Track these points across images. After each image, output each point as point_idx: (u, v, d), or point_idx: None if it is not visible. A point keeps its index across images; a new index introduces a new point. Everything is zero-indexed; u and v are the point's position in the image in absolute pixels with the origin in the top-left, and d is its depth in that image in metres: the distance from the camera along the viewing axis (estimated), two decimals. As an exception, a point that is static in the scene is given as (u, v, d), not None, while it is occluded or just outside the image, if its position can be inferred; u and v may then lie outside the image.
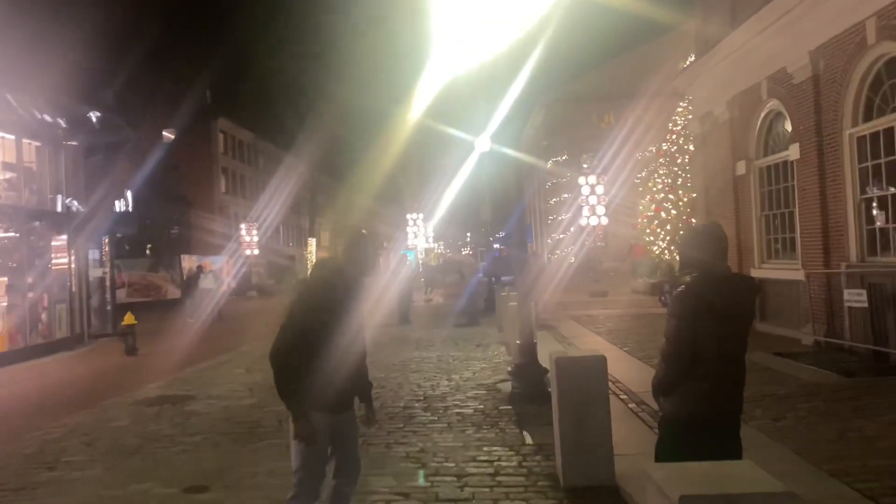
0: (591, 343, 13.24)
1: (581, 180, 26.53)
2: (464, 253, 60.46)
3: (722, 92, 14.19)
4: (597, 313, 19.46)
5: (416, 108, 29.16)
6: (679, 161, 27.57)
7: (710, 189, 15.50)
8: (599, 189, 25.99)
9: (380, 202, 47.75)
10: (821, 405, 7.35)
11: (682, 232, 15.73)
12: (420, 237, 42.29)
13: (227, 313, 25.64)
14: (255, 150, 58.33)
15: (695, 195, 25.91)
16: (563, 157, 39.67)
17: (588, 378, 5.27)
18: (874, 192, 9.81)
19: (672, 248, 27.35)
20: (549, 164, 39.36)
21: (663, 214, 28.08)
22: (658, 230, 28.21)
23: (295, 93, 42.41)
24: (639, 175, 33.41)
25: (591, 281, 31.17)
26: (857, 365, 9.08)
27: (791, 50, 11.16)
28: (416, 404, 8.54)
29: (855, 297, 9.40)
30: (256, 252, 40.88)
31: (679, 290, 3.39)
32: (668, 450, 3.38)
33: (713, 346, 3.24)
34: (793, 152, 11.57)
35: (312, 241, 53.52)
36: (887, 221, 9.62)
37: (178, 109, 43.07)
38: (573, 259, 33.62)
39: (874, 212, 9.83)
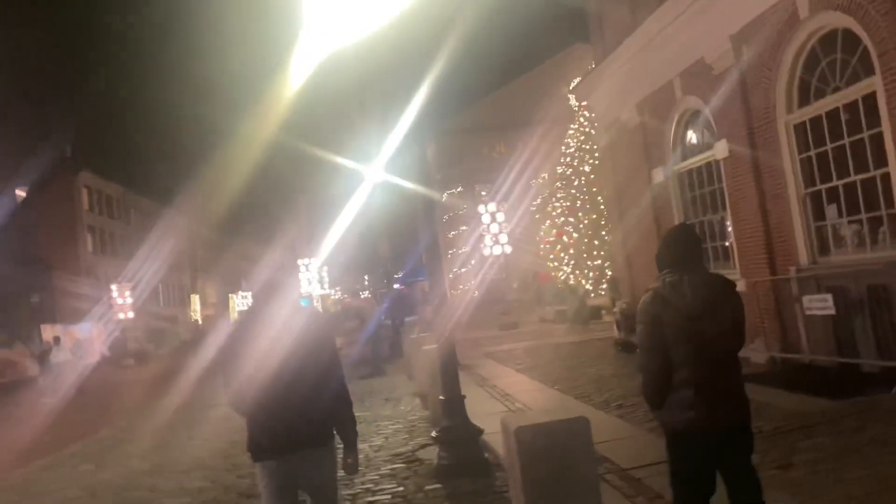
0: (517, 384, 11.52)
1: (481, 208, 25.19)
2: (363, 296, 58.06)
3: (629, 95, 13.11)
4: (511, 347, 17.88)
5: (301, 136, 27.12)
6: (576, 183, 26.91)
7: (624, 201, 14.34)
8: (500, 217, 24.73)
9: (266, 247, 44.79)
10: (826, 441, 5.86)
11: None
12: (314, 283, 39.81)
13: (94, 387, 22.29)
14: (126, 204, 53.93)
15: (599, 213, 25.31)
16: (458, 189, 38.58)
17: (567, 453, 3.45)
18: (820, 184, 8.71)
19: (577, 271, 26.56)
20: (444, 197, 38.10)
21: (565, 238, 27.23)
22: (562, 254, 27.32)
23: (165, 141, 39.28)
24: (534, 202, 32.75)
25: (499, 313, 29.77)
26: (834, 383, 7.77)
27: (708, 38, 10.10)
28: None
29: (817, 305, 8.16)
30: (131, 315, 36.97)
31: (644, 296, 3.35)
32: (674, 462, 3.33)
33: (686, 351, 3.17)
34: (719, 151, 10.46)
35: (196, 298, 49.69)
36: (840, 215, 8.52)
37: (32, 165, 38.90)
38: (476, 292, 32.24)
39: (825, 206, 8.71)
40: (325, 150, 26.18)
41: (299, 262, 36.50)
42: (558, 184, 28.27)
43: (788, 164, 9.02)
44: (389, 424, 9.71)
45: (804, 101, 8.81)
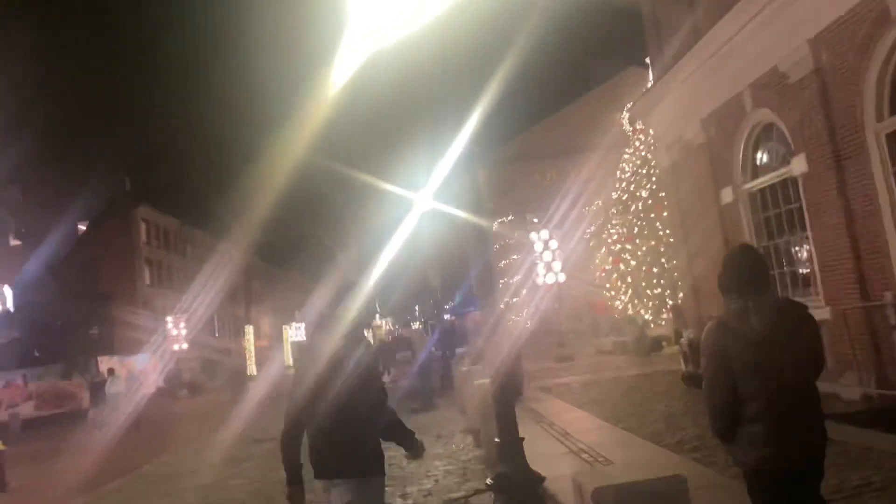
0: (577, 421, 10.69)
1: (533, 236, 24.62)
2: (413, 327, 57.58)
3: (693, 112, 12.33)
4: (568, 381, 16.98)
5: (350, 163, 26.96)
6: (633, 209, 25.95)
7: (688, 225, 13.46)
8: (553, 244, 24.07)
9: (318, 281, 44.78)
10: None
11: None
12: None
13: (147, 419, 22.20)
14: (182, 237, 54.94)
15: (658, 239, 24.26)
16: (509, 218, 37.92)
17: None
18: (919, 198, 7.79)
19: (636, 300, 25.46)
20: (495, 226, 37.49)
21: (622, 266, 26.22)
22: (619, 283, 26.28)
23: (219, 173, 39.83)
24: (588, 230, 31.85)
25: (553, 345, 28.83)
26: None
27: (783, 43, 9.31)
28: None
29: (924, 334, 7.19)
30: (185, 346, 37.40)
31: (707, 325, 3.21)
32: (752, 498, 3.10)
33: (755, 383, 2.96)
34: (796, 166, 9.59)
35: (250, 329, 49.93)
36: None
37: (93, 199, 39.90)
38: (529, 322, 31.32)
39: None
40: (374, 177, 25.88)
41: (350, 292, 36.34)
42: (614, 210, 27.36)
43: (881, 177, 8.11)
44: (440, 465, 9.02)
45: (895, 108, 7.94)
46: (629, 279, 25.50)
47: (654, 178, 25.21)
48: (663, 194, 24.42)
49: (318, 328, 3.74)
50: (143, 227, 48.23)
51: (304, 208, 34.81)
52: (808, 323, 3.16)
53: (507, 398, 6.07)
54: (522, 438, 5.94)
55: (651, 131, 20.11)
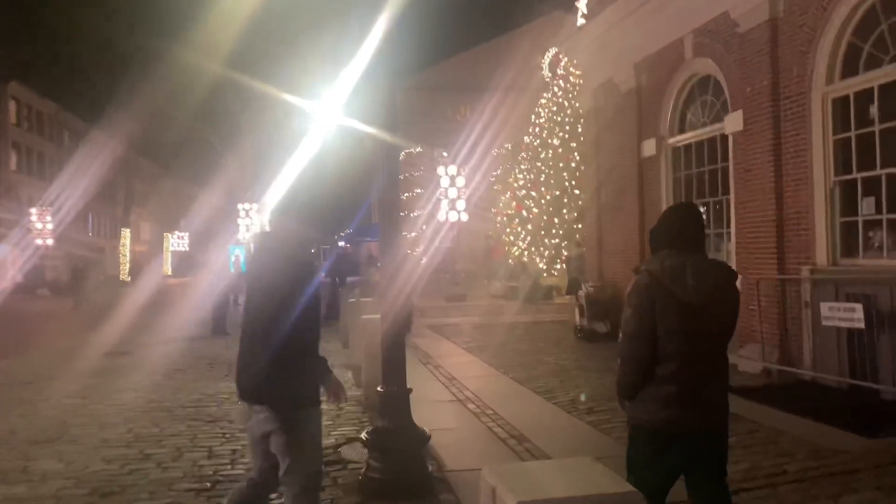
0: (465, 366, 9.99)
1: (440, 170, 23.50)
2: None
3: (627, 54, 11.53)
4: (458, 321, 16.40)
5: (249, 70, 24.69)
6: (542, 156, 25.43)
7: (603, 175, 12.85)
8: (460, 181, 23.12)
9: (206, 189, 41.90)
10: (879, 498, 4.47)
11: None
12: (254, 231, 37.46)
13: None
14: (59, 123, 50.08)
15: (563, 190, 23.88)
16: (417, 150, 36.64)
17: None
18: (857, 172, 7.31)
19: (533, 248, 25.19)
20: (402, 155, 36.17)
21: (525, 213, 25.81)
22: (519, 229, 25.92)
23: (109, 62, 35.84)
24: (495, 172, 31.23)
25: (446, 283, 28.31)
26: (851, 411, 6.45)
27: (738, -13, 8.56)
28: (197, 500, 4.75)
29: (841, 315, 6.80)
30: (50, 242, 34.19)
31: (637, 276, 2.99)
32: (639, 461, 2.98)
33: (677, 343, 2.83)
34: (731, 124, 9.00)
35: (126, 233, 46.69)
36: (879, 211, 7.15)
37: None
38: (425, 259, 30.62)
39: (859, 199, 7.32)
40: (275, 88, 23.82)
41: (239, 206, 34.27)
42: (524, 154, 26.74)
43: (819, 144, 7.60)
44: (311, 404, 8.06)
45: (851, 70, 7.38)
46: (529, 226, 25.16)
47: (567, 128, 24.74)
48: (574, 145, 24.07)
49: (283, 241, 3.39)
50: (12, 105, 43.38)
51: (198, 110, 32.05)
52: (735, 288, 3.06)
53: (398, 344, 5.15)
54: (410, 390, 5.07)
55: (577, 72, 19.38)
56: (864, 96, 7.19)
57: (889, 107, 6.89)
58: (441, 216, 23.56)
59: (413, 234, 33.43)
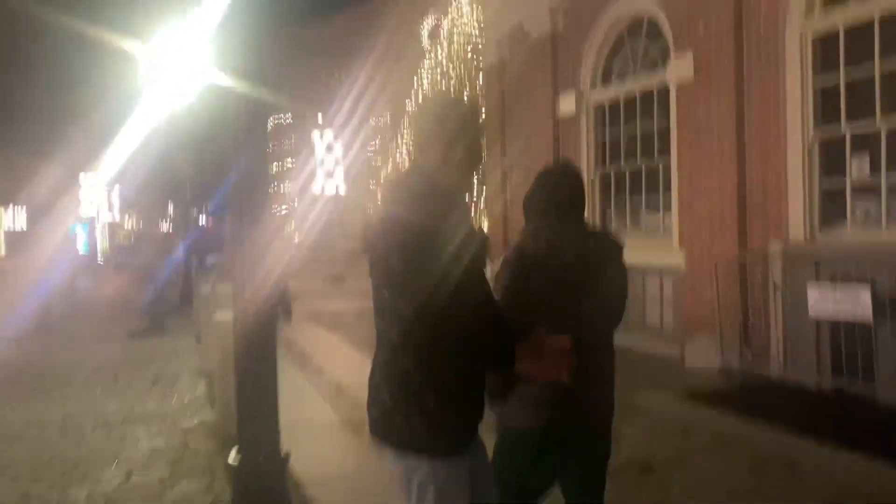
0: (355, 369, 7.98)
1: (315, 136, 21.36)
2: (163, 229, 50.86)
3: (542, -6, 9.81)
4: (341, 308, 14.35)
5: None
6: (426, 125, 23.63)
7: (510, 137, 11.17)
8: (338, 149, 21.05)
9: (41, 158, 36.52)
10: None
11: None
12: (101, 206, 33.17)
13: None
14: None
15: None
16: (288, 119, 33.81)
17: None
18: (846, 126, 5.95)
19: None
20: (270, 123, 33.20)
21: (409, 185, 23.92)
22: (402, 204, 23.95)
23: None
24: (374, 142, 29.31)
25: (323, 263, 26.04)
26: (849, 419, 5.11)
27: None
28: None
29: (838, 304, 5.42)
30: None
31: (505, 255, 2.51)
32: (510, 469, 2.49)
33: (556, 330, 2.16)
34: (677, 71, 7.48)
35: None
36: (875, 172, 5.83)
37: None
38: (297, 238, 28.13)
39: (848, 159, 5.97)
40: (115, 34, 20.23)
41: (81, 175, 30.13)
42: (406, 122, 24.90)
43: (797, 93, 6.19)
44: (147, 431, 5.83)
45: (837, 2, 5.98)
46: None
47: (453, 94, 23.15)
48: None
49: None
50: None
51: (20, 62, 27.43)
52: (622, 264, 2.63)
53: (264, 372, 3.13)
54: (286, 458, 3.05)
55: (466, 32, 17.72)
56: (856, 32, 5.81)
57: (888, 43, 5.54)
58: (316, 189, 21.35)
59: (285, 209, 30.79)
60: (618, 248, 2.67)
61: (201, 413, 6.48)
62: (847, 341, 5.58)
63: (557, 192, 2.54)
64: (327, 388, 7.24)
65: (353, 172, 26.36)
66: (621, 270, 2.66)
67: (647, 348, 7.70)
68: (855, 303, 5.25)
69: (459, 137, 2.02)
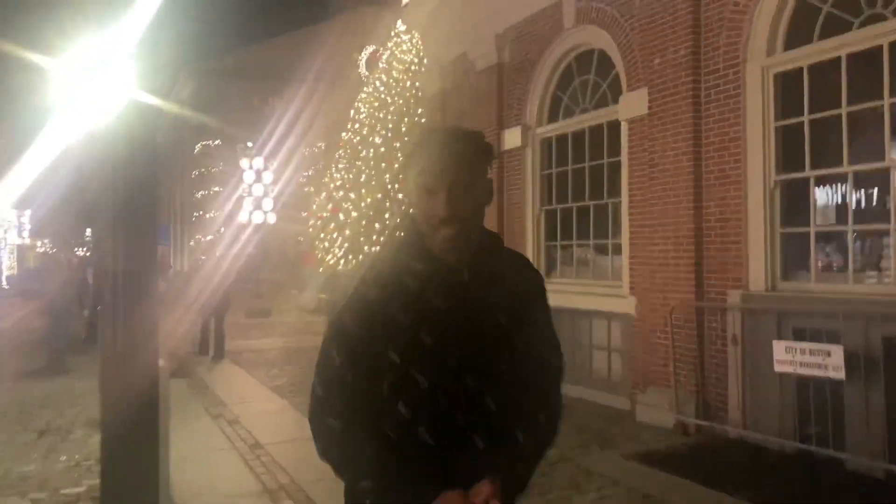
0: (278, 421, 7.19)
1: (244, 163, 20.39)
2: (78, 254, 47.97)
3: (487, 23, 9.41)
4: (264, 346, 13.47)
5: None
6: (363, 154, 23.00)
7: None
8: (267, 177, 20.18)
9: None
10: None
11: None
12: (9, 228, 31.03)
13: None
14: None
15: (386, 193, 21.56)
16: (216, 143, 32.56)
17: None
18: (810, 170, 5.62)
19: (350, 256, 22.64)
20: (197, 149, 31.92)
21: (342, 216, 23.18)
22: (335, 234, 23.21)
23: None
24: (307, 172, 28.48)
25: (247, 296, 24.85)
26: (816, 484, 4.67)
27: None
28: None
29: (807, 359, 5.01)
30: None
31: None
32: None
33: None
34: (629, 106, 7.11)
35: None
36: (841, 221, 5.50)
37: None
38: (223, 269, 26.79)
39: (813, 203, 5.63)
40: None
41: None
42: (341, 152, 24.16)
43: (758, 132, 5.86)
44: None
45: (800, 38, 5.70)
46: (347, 231, 22.60)
47: (390, 126, 22.62)
48: (398, 145, 21.99)
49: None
50: None
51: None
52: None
53: (140, 417, 2.42)
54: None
55: (401, 66, 17.25)
56: (822, 69, 5.53)
57: (856, 84, 5.26)
58: (243, 217, 20.36)
59: (209, 237, 29.42)
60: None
61: (90, 475, 5.55)
62: (816, 400, 5.18)
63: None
64: (243, 442, 6.40)
65: (283, 199, 25.48)
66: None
67: (595, 399, 7.19)
68: (823, 359, 4.84)
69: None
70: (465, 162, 1.60)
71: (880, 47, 5.04)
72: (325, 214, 23.89)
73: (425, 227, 1.63)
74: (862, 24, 5.21)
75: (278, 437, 6.45)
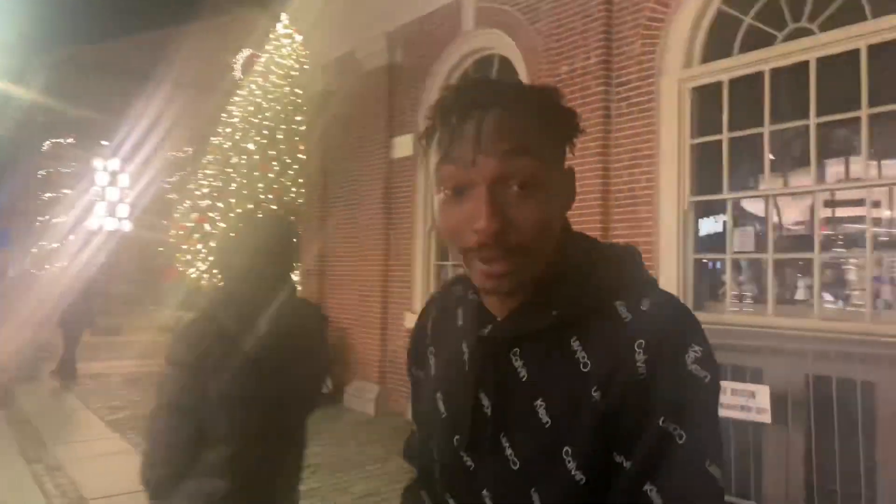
0: (112, 467, 5.95)
1: (97, 163, 18.46)
2: None
3: (378, 20, 8.64)
4: (109, 368, 11.91)
5: None
6: (234, 161, 21.47)
7: (332, 181, 9.76)
8: (124, 180, 18.32)
9: None
10: None
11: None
12: None
13: None
14: None
15: (258, 203, 20.17)
16: (69, 140, 29.57)
17: None
18: (728, 192, 5.23)
19: (216, 270, 20.98)
20: (46, 146, 28.88)
21: (208, 227, 21.46)
22: (199, 246, 21.42)
23: None
24: (171, 178, 26.43)
25: (98, 311, 22.45)
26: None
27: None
28: None
29: (729, 399, 4.54)
30: None
31: (188, 320, 1.94)
32: None
33: (240, 417, 1.85)
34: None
35: None
36: (760, 249, 5.12)
37: None
38: (63, 279, 24.13)
39: (730, 229, 5.23)
40: None
41: None
42: (210, 157, 22.50)
43: (672, 148, 5.42)
44: None
45: (720, 51, 5.33)
46: (213, 244, 20.94)
47: (265, 132, 21.32)
48: (274, 153, 20.72)
49: None
50: None
51: None
52: (325, 339, 2.18)
53: None
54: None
55: (280, 71, 16.17)
56: (742, 84, 5.17)
57: (780, 101, 4.93)
58: (94, 223, 18.35)
59: (55, 245, 26.49)
60: (322, 318, 2.27)
61: None
62: (737, 445, 4.71)
63: (270, 247, 2.03)
64: (64, 501, 5.15)
65: (141, 206, 23.46)
66: (322, 347, 2.28)
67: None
68: (747, 401, 4.37)
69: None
70: (523, 136, 0.87)
71: (806, 63, 4.71)
72: (189, 224, 22.12)
73: (454, 249, 0.94)
74: (786, 38, 4.89)
75: (108, 490, 5.25)
